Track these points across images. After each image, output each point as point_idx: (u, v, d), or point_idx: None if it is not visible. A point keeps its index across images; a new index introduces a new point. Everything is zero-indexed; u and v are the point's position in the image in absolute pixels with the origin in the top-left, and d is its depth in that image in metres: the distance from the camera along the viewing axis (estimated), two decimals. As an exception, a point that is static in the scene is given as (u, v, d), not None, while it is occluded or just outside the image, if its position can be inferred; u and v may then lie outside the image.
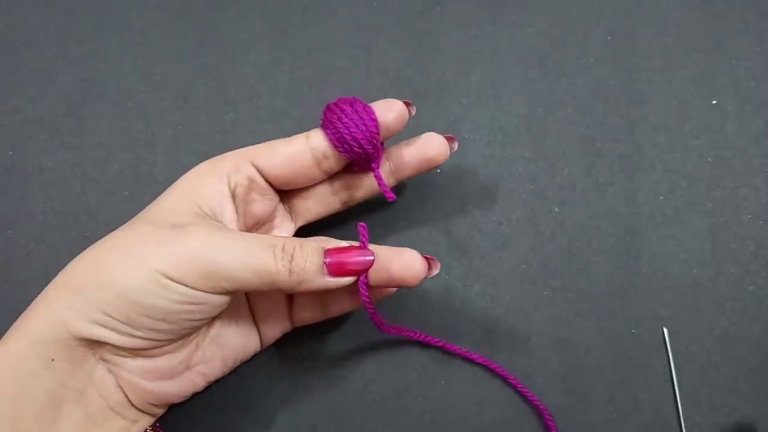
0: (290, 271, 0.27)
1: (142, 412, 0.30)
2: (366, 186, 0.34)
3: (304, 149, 0.31)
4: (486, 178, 0.38)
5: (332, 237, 0.32)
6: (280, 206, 0.34)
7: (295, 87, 0.39)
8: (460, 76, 0.39)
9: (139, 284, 0.26)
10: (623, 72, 0.38)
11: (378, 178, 0.32)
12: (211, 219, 0.29)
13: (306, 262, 0.28)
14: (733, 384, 0.35)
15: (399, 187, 0.37)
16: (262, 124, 0.38)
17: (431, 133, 0.33)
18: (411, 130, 0.33)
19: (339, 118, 0.30)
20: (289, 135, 0.32)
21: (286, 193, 0.33)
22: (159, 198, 0.30)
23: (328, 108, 0.31)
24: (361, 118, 0.30)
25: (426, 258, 0.30)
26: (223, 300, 0.28)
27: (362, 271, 0.28)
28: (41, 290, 0.28)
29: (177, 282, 0.26)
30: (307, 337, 0.36)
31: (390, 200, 0.32)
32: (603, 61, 0.38)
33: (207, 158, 0.31)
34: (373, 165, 0.32)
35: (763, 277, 0.36)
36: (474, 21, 0.39)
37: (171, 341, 0.29)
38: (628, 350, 0.36)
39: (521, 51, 0.39)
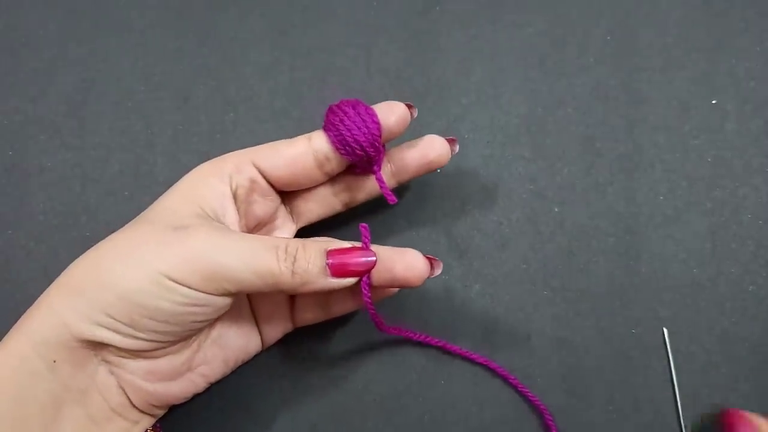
0: (293, 273, 0.27)
1: (144, 413, 0.30)
2: (367, 188, 0.34)
3: (306, 151, 0.31)
4: (486, 178, 0.38)
5: (333, 237, 0.33)
6: (282, 207, 0.33)
7: (295, 87, 0.39)
8: (460, 76, 0.39)
9: (141, 286, 0.26)
10: (623, 72, 0.38)
11: (380, 180, 0.32)
12: (213, 220, 0.29)
13: (309, 264, 0.28)
14: (733, 384, 0.35)
15: (399, 187, 0.37)
16: (262, 124, 0.38)
17: (433, 135, 0.33)
18: (411, 130, 0.33)
19: (341, 121, 0.30)
20: (289, 135, 0.32)
21: (288, 194, 0.33)
22: (160, 198, 0.30)
23: (331, 110, 0.31)
24: (364, 121, 0.30)
25: (428, 258, 0.30)
26: (225, 301, 0.28)
27: (365, 272, 0.29)
28: (41, 290, 0.28)
29: (180, 284, 0.26)
30: (307, 337, 0.35)
31: (391, 203, 0.32)
32: (603, 61, 0.38)
33: (207, 158, 0.31)
34: (375, 168, 0.32)
35: (763, 277, 0.36)
36: (474, 21, 0.39)
37: (173, 343, 0.29)
38: (628, 350, 0.36)
39: (521, 51, 0.39)
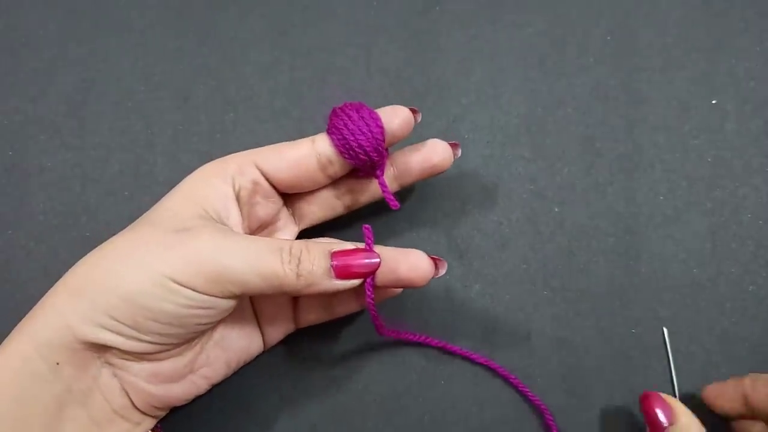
0: (297, 275, 0.27)
1: (145, 414, 0.30)
2: (370, 191, 0.34)
3: (310, 153, 0.31)
4: (486, 178, 0.38)
5: (336, 238, 0.33)
6: (284, 209, 0.33)
7: (295, 87, 0.39)
8: (459, 76, 0.39)
9: (145, 288, 0.26)
10: (623, 72, 0.38)
11: (382, 185, 0.32)
12: (216, 222, 0.29)
13: (313, 265, 0.28)
14: (733, 384, 0.35)
15: (401, 190, 0.37)
16: (262, 124, 0.38)
17: (436, 139, 0.33)
18: (412, 130, 0.33)
19: (345, 125, 0.30)
20: (289, 135, 0.32)
21: (290, 196, 0.33)
22: (163, 200, 0.30)
23: (334, 113, 0.31)
24: (368, 125, 0.30)
25: (433, 258, 0.30)
26: (229, 303, 0.28)
27: (369, 274, 0.29)
28: (41, 290, 0.28)
29: (184, 286, 0.26)
30: (307, 337, 0.35)
31: (394, 208, 0.32)
32: (603, 61, 0.38)
33: (207, 158, 0.31)
34: (378, 172, 0.32)
35: (763, 277, 0.36)
36: (474, 21, 0.39)
37: (176, 345, 0.29)
38: (628, 350, 0.36)
39: (521, 51, 0.39)
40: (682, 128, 0.38)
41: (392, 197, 0.32)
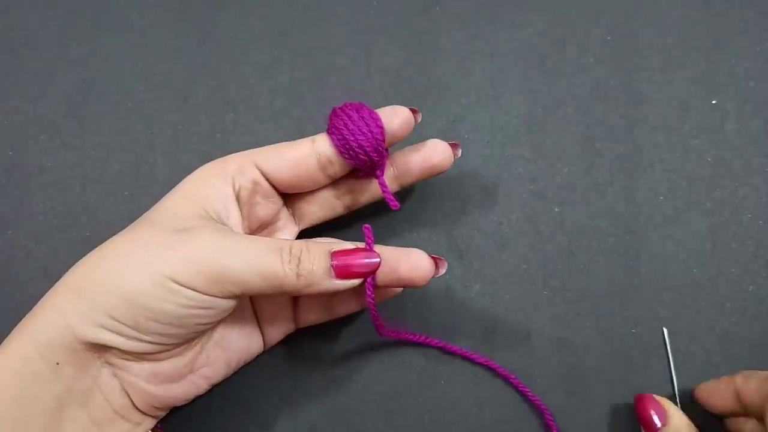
0: (298, 275, 0.27)
1: (145, 414, 0.30)
2: (370, 191, 0.34)
3: (310, 154, 0.31)
4: (486, 178, 0.38)
5: (336, 238, 0.32)
6: (284, 209, 0.33)
7: (295, 87, 0.39)
8: (459, 76, 0.39)
9: (146, 288, 0.26)
10: (623, 72, 0.38)
11: (383, 186, 0.32)
12: (216, 221, 0.29)
13: (313, 265, 0.28)
14: (733, 384, 0.35)
15: (401, 190, 0.37)
16: (262, 124, 0.38)
17: (436, 139, 0.33)
18: (412, 130, 0.33)
19: (345, 125, 0.30)
20: (289, 135, 0.32)
21: (290, 195, 0.33)
22: (163, 200, 0.30)
23: (335, 113, 0.31)
24: (368, 125, 0.30)
25: (433, 258, 0.30)
26: (230, 303, 0.28)
27: (369, 273, 0.29)
28: (41, 290, 0.28)
29: (184, 286, 0.26)
30: (307, 337, 0.36)
31: (394, 209, 0.32)
32: (603, 61, 0.38)
33: (207, 158, 0.31)
34: (378, 172, 0.32)
35: (763, 277, 0.36)
36: (474, 21, 0.39)
37: (177, 345, 0.29)
38: (628, 350, 0.36)
39: (521, 51, 0.39)
40: (682, 128, 0.38)
41: (392, 197, 0.32)
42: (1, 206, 0.37)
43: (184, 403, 0.31)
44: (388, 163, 0.33)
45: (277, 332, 0.34)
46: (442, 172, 0.33)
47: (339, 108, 0.31)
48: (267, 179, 0.31)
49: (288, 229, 0.34)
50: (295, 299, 0.34)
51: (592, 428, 0.35)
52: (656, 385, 0.35)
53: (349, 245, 0.29)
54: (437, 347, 0.35)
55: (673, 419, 0.32)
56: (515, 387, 0.35)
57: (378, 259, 0.29)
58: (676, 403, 0.35)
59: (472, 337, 0.36)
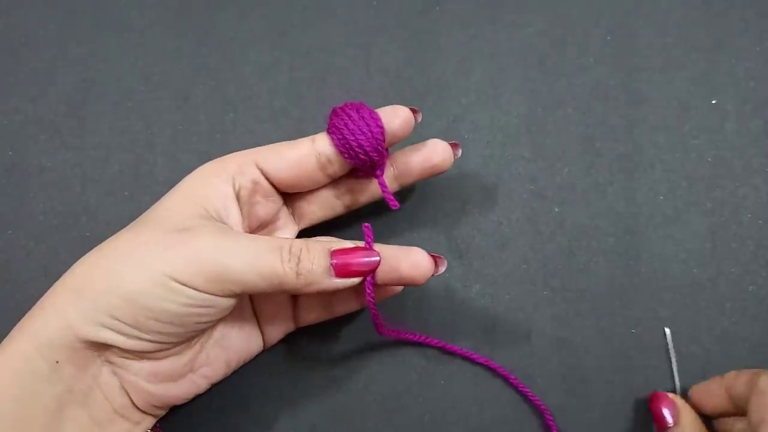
0: (297, 274, 0.27)
1: (145, 413, 0.30)
2: (370, 190, 0.34)
3: (309, 153, 0.31)
4: (486, 178, 0.38)
5: (336, 237, 0.32)
6: (284, 208, 0.33)
7: (295, 87, 0.39)
8: (459, 76, 0.39)
9: (146, 288, 0.26)
10: (623, 72, 0.38)
11: (382, 185, 0.32)
12: (216, 221, 0.29)
13: (313, 264, 0.28)
14: (733, 384, 0.35)
15: (401, 190, 0.37)
16: (261, 124, 0.38)
17: (436, 139, 0.33)
18: (412, 130, 0.33)
19: (345, 125, 0.30)
20: (288, 135, 0.32)
21: (290, 195, 0.33)
22: (163, 199, 0.30)
23: (335, 113, 0.31)
24: (368, 125, 0.30)
25: (433, 256, 0.30)
26: (230, 302, 0.28)
27: (369, 272, 0.29)
28: (41, 290, 0.28)
29: (185, 285, 0.26)
30: (307, 337, 0.36)
31: (394, 208, 0.32)
32: (603, 61, 0.38)
33: (207, 158, 0.31)
34: (378, 172, 0.32)
35: (763, 277, 0.36)
36: (474, 21, 0.39)
37: (177, 344, 0.29)
38: (628, 350, 0.36)
39: (521, 51, 0.39)
40: (682, 128, 0.38)
41: (392, 197, 0.32)
42: (1, 206, 0.37)
43: (183, 402, 0.31)
44: (388, 162, 0.33)
45: (276, 331, 0.34)
46: (443, 172, 0.33)
47: (339, 108, 0.31)
48: (267, 179, 0.31)
49: (288, 228, 0.34)
50: (294, 298, 0.34)
51: (592, 428, 0.35)
52: (656, 385, 0.35)
53: (349, 244, 0.29)
54: (437, 347, 0.35)
55: (685, 417, 0.33)
56: (515, 387, 0.35)
57: (378, 258, 0.29)
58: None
59: (472, 337, 0.36)
